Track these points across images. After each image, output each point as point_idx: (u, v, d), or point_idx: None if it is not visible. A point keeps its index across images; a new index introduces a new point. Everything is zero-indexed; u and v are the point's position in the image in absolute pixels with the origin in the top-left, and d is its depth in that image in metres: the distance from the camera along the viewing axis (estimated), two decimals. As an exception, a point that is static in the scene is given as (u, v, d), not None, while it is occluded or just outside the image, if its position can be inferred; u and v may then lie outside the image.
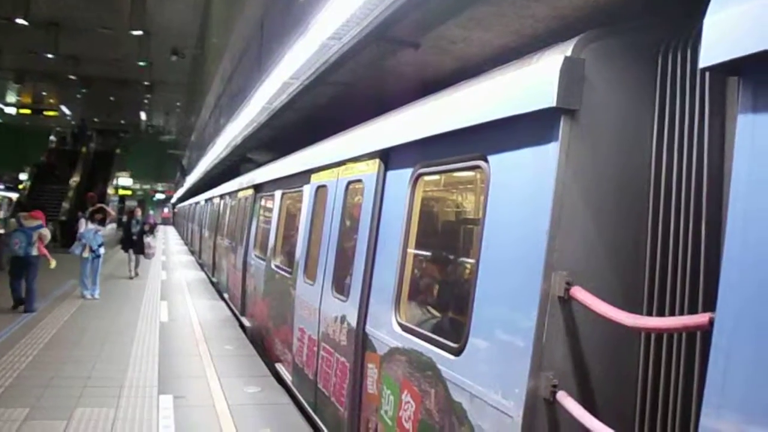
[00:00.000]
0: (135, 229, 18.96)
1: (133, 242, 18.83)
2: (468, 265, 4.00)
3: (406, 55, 6.10)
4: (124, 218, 22.04)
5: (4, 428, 6.06)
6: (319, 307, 6.35)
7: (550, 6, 4.51)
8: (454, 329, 4.07)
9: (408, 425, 4.13)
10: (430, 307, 4.78)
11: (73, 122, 47.84)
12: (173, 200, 69.89)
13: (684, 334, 2.72)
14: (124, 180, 62.77)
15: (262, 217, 11.37)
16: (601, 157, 3.08)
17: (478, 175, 3.90)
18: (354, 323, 5.23)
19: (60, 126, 46.24)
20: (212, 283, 18.25)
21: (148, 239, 19.09)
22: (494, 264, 3.41)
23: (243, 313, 12.02)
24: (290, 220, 8.98)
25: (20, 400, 6.89)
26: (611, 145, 3.10)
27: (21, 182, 43.03)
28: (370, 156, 5.42)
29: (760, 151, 1.99)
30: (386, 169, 5.14)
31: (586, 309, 2.84)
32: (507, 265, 3.29)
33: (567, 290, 2.93)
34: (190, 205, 37.28)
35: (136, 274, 18.60)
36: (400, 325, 4.48)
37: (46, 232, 12.84)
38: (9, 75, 37.34)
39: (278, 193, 9.72)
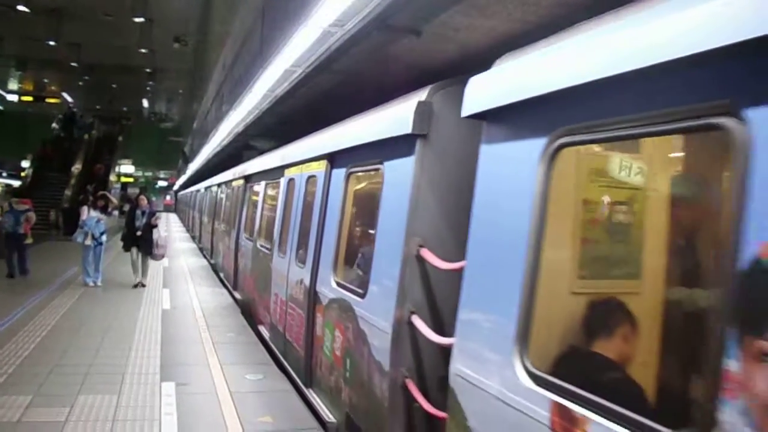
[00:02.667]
0: (140, 222, 14.84)
1: (137, 239, 14.80)
2: (373, 237, 5.33)
3: (409, 42, 6.05)
4: (126, 207, 18.30)
5: (7, 415, 6.11)
6: (287, 275, 8.02)
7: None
8: (363, 281, 5.47)
9: (338, 353, 5.83)
10: (353, 268, 6.22)
11: (75, 109, 47.68)
12: (175, 187, 69.85)
13: None
14: (126, 167, 62.74)
15: (250, 204, 13.13)
16: (444, 165, 4.64)
17: (380, 175, 5.32)
18: (308, 284, 6.88)
19: (62, 113, 46.08)
20: (214, 270, 18.28)
21: (156, 236, 14.90)
22: (383, 235, 5.07)
23: (235, 288, 13.81)
24: (271, 206, 10.64)
25: (23, 387, 6.94)
26: (451, 157, 4.62)
27: (24, 170, 43.01)
28: (321, 158, 7.13)
29: (489, 168, 3.66)
30: (332, 167, 6.81)
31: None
32: (388, 235, 4.94)
33: (418, 251, 4.50)
34: (191, 192, 38.10)
35: (142, 285, 14.74)
36: (336, 282, 6.15)
37: (32, 215, 15.95)
38: (11, 62, 37.23)
39: (263, 184, 11.63)
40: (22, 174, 41.37)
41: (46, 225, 25.92)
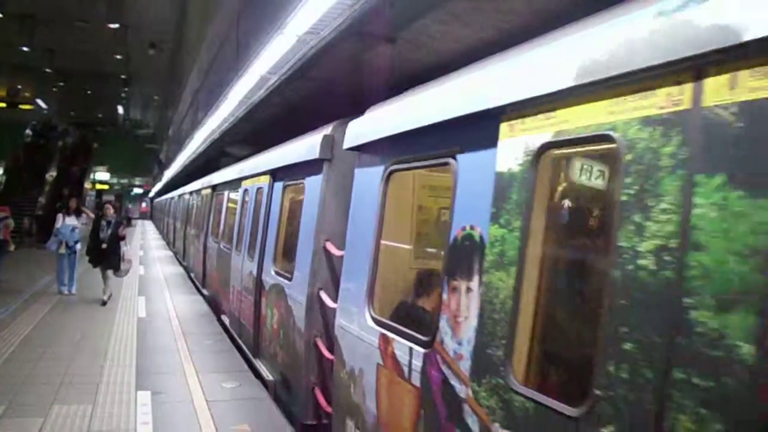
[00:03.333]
0: (105, 233, 13.38)
1: (102, 253, 13.39)
2: (298, 235, 6.80)
3: (384, 49, 6.09)
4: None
5: (-21, 426, 6.01)
6: (241, 268, 9.66)
7: (527, 1, 4.51)
8: (291, 269, 6.96)
9: (276, 327, 7.40)
10: (287, 259, 7.56)
11: (50, 116, 47.13)
12: (151, 194, 69.34)
13: None
14: (102, 174, 62.21)
15: (216, 210, 14.54)
16: (342, 182, 5.88)
17: (303, 188, 6.92)
18: (256, 274, 8.48)
19: (36, 120, 45.54)
20: (190, 277, 18.22)
21: (124, 248, 13.82)
22: (303, 233, 6.56)
23: (203, 286, 15.30)
24: (232, 212, 12.17)
25: (-5, 397, 6.82)
26: (347, 176, 5.57)
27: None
28: (266, 173, 8.77)
29: (358, 185, 5.19)
30: (274, 181, 8.38)
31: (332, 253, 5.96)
32: (306, 233, 6.42)
33: (324, 244, 6.02)
34: (166, 200, 38.07)
35: (106, 301, 13.36)
36: (275, 271, 7.69)
37: (11, 222, 16.80)
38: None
39: (226, 192, 13.26)
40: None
41: (19, 232, 25.63)
